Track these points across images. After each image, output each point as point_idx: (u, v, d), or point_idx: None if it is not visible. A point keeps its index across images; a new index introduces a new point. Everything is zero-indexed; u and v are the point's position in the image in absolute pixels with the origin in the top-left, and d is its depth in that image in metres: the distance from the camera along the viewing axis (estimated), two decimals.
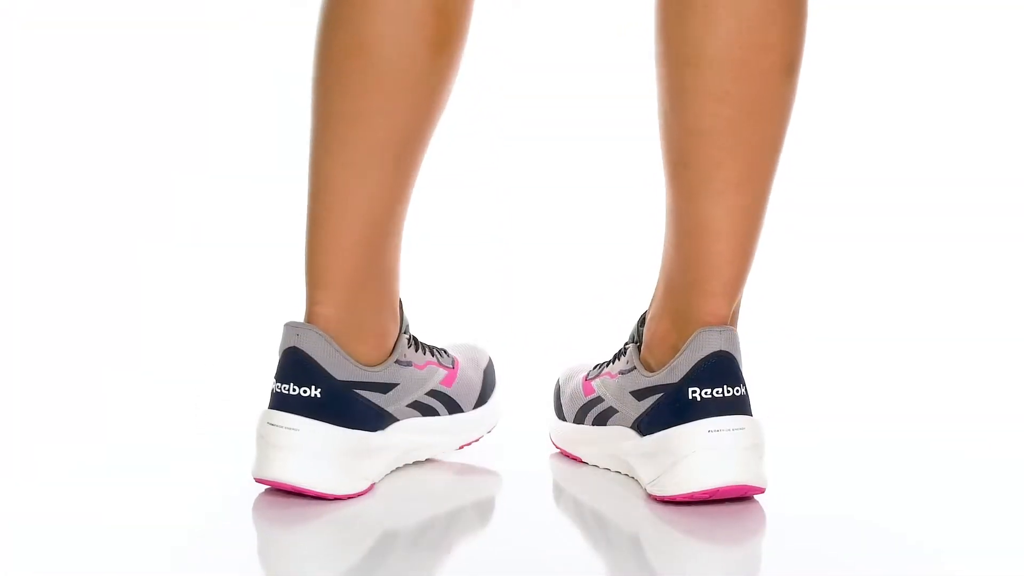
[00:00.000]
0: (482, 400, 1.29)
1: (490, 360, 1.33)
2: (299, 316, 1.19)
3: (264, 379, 1.19)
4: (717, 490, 1.11)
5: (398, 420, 1.21)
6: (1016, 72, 2.41)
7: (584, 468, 1.26)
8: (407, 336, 1.23)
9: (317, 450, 1.14)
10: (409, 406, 1.22)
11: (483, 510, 1.21)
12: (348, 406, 1.16)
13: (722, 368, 1.12)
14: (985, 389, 1.62)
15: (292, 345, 1.15)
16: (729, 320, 1.16)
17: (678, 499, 1.12)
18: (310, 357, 1.15)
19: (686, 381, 1.12)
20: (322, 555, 1.05)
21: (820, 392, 1.61)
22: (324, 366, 1.15)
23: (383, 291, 1.19)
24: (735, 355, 1.13)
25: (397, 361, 1.20)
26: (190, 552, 1.07)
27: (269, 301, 2.00)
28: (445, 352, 1.28)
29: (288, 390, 1.15)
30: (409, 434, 1.22)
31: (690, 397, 1.12)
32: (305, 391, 1.15)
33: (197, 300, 2.04)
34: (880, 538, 1.09)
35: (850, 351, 1.81)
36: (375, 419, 1.19)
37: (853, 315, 1.98)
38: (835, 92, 2.42)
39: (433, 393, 1.24)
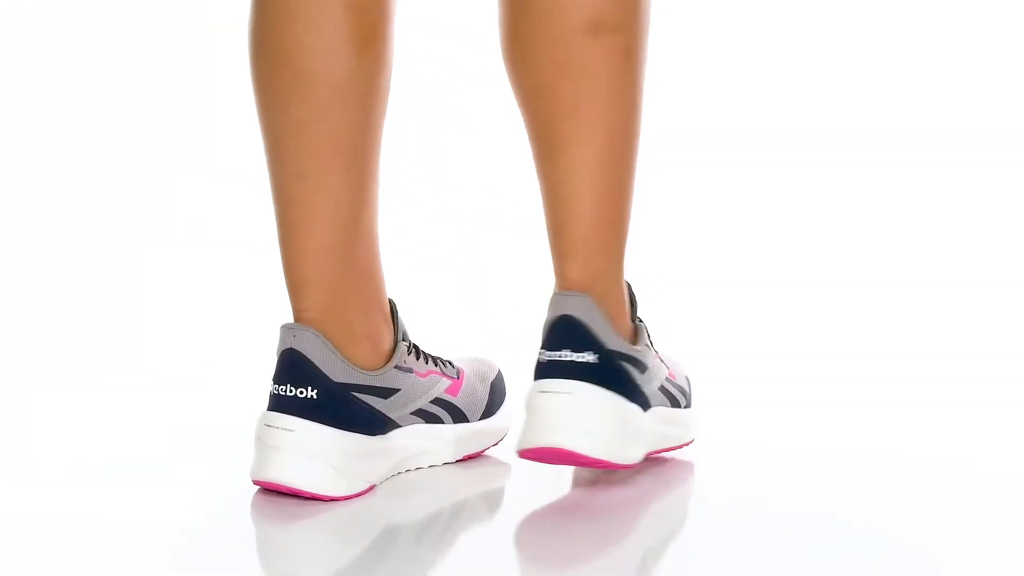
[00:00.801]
0: (488, 412, 1.29)
1: (499, 373, 1.32)
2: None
3: (263, 380, 1.19)
4: (542, 451, 1.14)
5: (400, 427, 1.21)
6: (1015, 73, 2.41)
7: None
8: (406, 344, 1.23)
9: (314, 451, 1.14)
10: (413, 413, 1.22)
11: (489, 504, 1.21)
12: (345, 408, 1.16)
13: (566, 332, 1.15)
14: (984, 388, 1.62)
15: (289, 347, 1.16)
16: (602, 283, 1.17)
17: (521, 456, 1.16)
18: (306, 358, 1.15)
19: (541, 343, 1.17)
20: (322, 554, 1.05)
21: (820, 392, 1.61)
22: (320, 367, 1.15)
23: (364, 293, 1.20)
24: (582, 319, 1.15)
25: (397, 367, 1.20)
26: (190, 552, 1.07)
27: (268, 301, 2.01)
28: (450, 363, 1.28)
29: (285, 391, 1.15)
30: (411, 440, 1.22)
31: (538, 359, 1.17)
32: (302, 392, 1.15)
33: (197, 300, 2.04)
34: (877, 539, 1.10)
35: (850, 352, 1.81)
36: (375, 423, 1.19)
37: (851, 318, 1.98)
38: (833, 92, 2.43)
39: (438, 401, 1.24)
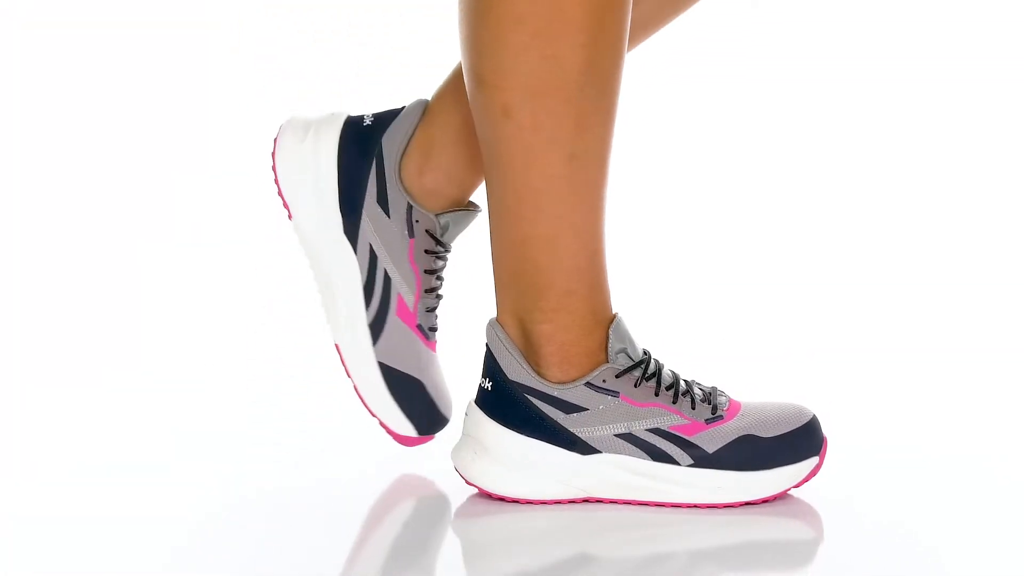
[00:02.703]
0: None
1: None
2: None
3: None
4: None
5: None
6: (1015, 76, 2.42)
7: None
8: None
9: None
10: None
11: (490, 501, 1.21)
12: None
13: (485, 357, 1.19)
14: (983, 386, 1.62)
15: None
16: (533, 316, 1.16)
17: None
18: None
19: None
20: (322, 553, 1.05)
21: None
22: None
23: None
24: (489, 346, 1.17)
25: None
26: (190, 552, 1.07)
27: (268, 301, 2.01)
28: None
29: None
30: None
31: None
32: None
33: (197, 300, 2.03)
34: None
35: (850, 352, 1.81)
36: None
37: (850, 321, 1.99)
38: (832, 94, 2.43)
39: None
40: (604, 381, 1.15)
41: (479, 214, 1.27)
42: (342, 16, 2.42)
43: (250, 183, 2.12)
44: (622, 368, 1.15)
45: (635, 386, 1.15)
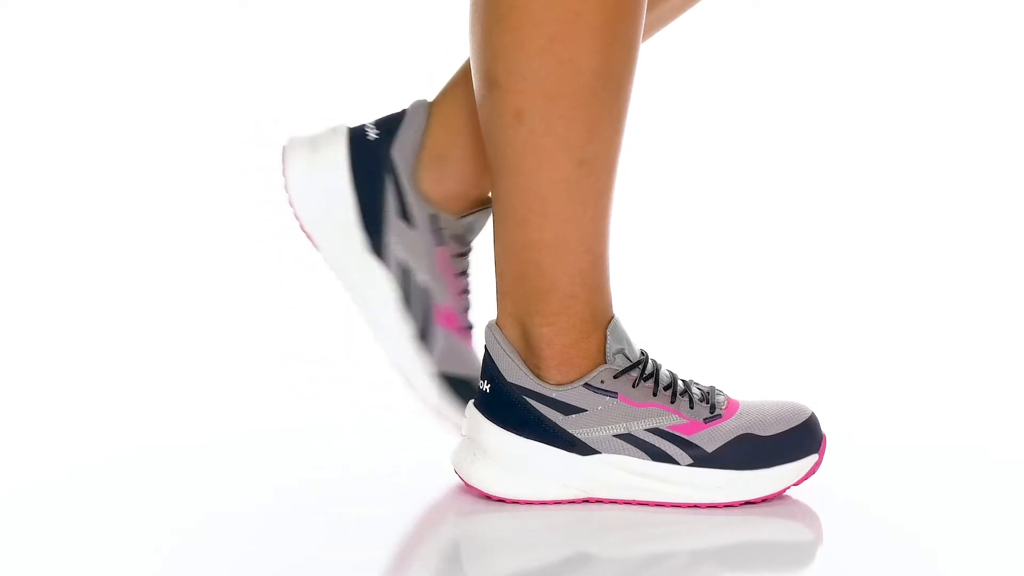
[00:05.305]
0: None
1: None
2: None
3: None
4: None
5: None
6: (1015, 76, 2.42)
7: None
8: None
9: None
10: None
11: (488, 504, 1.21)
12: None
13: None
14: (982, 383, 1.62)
15: None
16: (516, 319, 1.17)
17: None
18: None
19: None
20: (322, 554, 1.06)
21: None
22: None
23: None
24: (488, 350, 1.17)
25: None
26: (189, 552, 1.07)
27: (268, 301, 2.01)
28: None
29: None
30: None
31: None
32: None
33: (197, 300, 2.04)
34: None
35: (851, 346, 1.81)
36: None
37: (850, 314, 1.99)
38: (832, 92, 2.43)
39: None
40: (602, 382, 1.15)
41: None
42: (339, 13, 2.42)
43: (251, 183, 2.12)
44: (620, 369, 1.16)
45: (633, 386, 1.16)
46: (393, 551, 1.08)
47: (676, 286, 2.10)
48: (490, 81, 1.12)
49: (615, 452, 1.15)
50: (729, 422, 1.16)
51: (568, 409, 1.15)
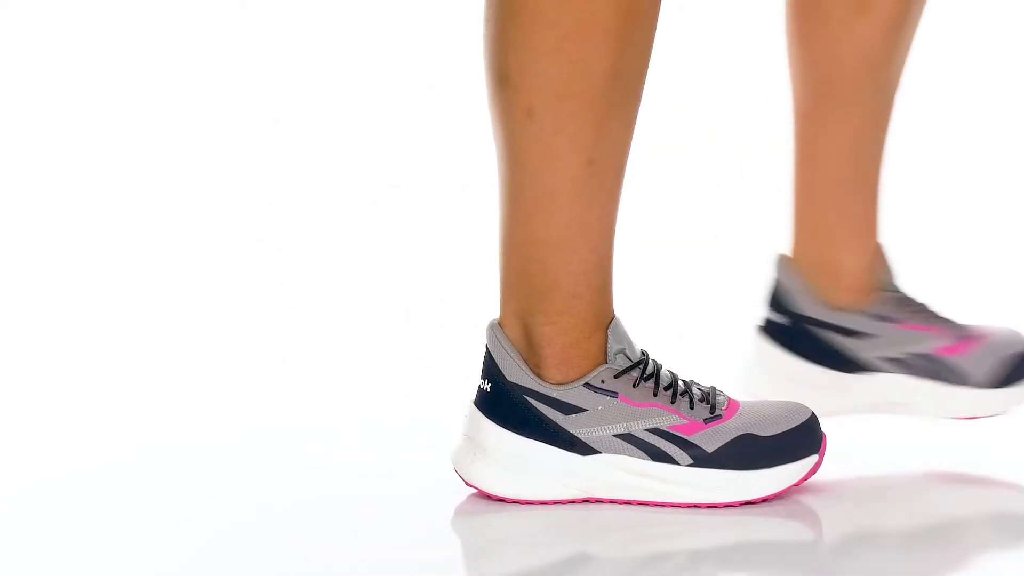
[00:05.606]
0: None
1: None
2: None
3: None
4: None
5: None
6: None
7: None
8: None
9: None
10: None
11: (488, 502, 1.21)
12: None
13: None
14: None
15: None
16: (516, 317, 1.17)
17: None
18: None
19: None
20: (322, 554, 1.06)
21: None
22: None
23: None
24: (489, 348, 1.17)
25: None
26: (189, 552, 1.07)
27: (268, 301, 2.01)
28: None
29: None
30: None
31: None
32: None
33: (197, 299, 2.04)
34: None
35: None
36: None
37: None
38: None
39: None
40: (603, 382, 1.15)
41: None
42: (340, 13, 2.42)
43: (252, 183, 2.13)
44: (620, 369, 1.16)
45: (634, 386, 1.16)
46: (393, 551, 1.08)
47: (676, 286, 2.10)
48: (501, 77, 1.13)
49: (615, 452, 1.15)
50: (729, 422, 1.16)
51: (568, 409, 1.15)
